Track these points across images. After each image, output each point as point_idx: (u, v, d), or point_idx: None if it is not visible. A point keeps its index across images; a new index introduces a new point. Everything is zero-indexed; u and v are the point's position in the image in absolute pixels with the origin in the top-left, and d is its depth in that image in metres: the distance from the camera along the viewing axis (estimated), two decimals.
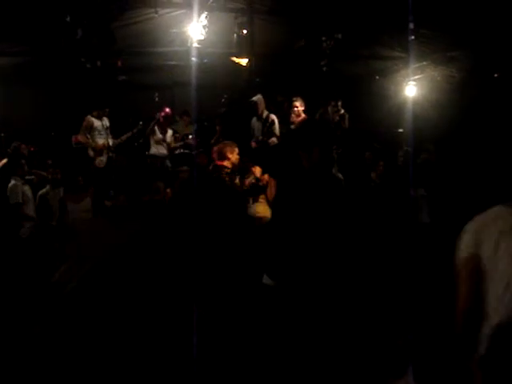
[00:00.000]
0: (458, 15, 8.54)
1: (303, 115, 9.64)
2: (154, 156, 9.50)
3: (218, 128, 9.73)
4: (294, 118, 9.51)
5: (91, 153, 9.12)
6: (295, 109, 9.37)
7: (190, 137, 10.24)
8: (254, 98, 8.96)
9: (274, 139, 8.96)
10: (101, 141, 9.15)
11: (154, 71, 10.77)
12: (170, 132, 9.70)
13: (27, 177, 7.80)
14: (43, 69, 10.21)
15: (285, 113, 9.71)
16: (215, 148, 6.07)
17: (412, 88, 10.51)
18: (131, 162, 9.59)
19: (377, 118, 10.76)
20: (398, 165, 8.76)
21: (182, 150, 9.89)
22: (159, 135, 9.47)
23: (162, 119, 9.49)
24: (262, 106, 8.98)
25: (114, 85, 10.57)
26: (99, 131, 9.15)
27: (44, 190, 7.55)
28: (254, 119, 9.02)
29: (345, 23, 9.67)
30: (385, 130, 10.52)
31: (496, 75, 9.86)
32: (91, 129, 9.12)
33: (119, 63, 10.29)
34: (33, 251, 6.48)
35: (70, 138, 10.19)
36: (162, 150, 9.52)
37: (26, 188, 7.28)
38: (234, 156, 5.91)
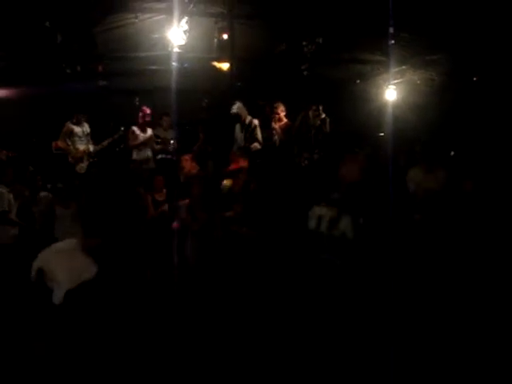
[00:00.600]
0: (437, 19, 8.62)
1: (285, 120, 9.69)
2: (136, 161, 9.44)
3: (201, 135, 9.67)
4: (275, 122, 9.56)
5: (71, 159, 9.07)
6: (276, 115, 9.42)
7: (172, 142, 10.18)
8: (235, 109, 8.99)
9: (256, 144, 8.98)
10: (81, 147, 9.12)
11: (134, 76, 10.71)
12: (149, 131, 9.58)
13: None
14: (23, 74, 10.11)
15: (266, 117, 9.74)
16: None
17: (392, 92, 10.57)
18: (111, 170, 9.50)
19: (358, 121, 10.79)
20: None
21: (163, 156, 9.82)
22: (140, 138, 9.39)
23: (141, 119, 9.44)
24: (244, 113, 9.01)
25: (94, 90, 10.50)
26: (79, 137, 9.12)
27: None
28: (238, 127, 9.05)
29: (325, 27, 9.70)
30: (366, 134, 10.55)
31: (475, 78, 9.97)
32: (71, 135, 9.09)
33: (100, 68, 10.22)
34: (18, 256, 6.48)
35: (51, 144, 10.10)
36: (144, 154, 9.43)
37: (11, 196, 7.23)
38: None
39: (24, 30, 8.49)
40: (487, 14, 7.99)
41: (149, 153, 9.46)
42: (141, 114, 9.42)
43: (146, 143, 9.43)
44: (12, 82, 10.36)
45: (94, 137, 9.46)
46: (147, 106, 9.73)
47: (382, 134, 9.99)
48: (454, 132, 9.85)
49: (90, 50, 9.01)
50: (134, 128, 9.42)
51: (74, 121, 9.14)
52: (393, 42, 9.19)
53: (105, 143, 9.45)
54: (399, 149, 7.67)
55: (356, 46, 10.78)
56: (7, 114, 10.52)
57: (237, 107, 9.00)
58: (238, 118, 9.06)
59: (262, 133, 9.29)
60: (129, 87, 11.11)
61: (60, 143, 9.18)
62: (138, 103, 10.16)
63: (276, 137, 9.59)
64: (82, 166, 9.08)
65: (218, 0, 9.03)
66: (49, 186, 8.24)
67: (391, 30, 8.68)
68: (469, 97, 9.99)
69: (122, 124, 9.68)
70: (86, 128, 9.24)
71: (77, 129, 9.11)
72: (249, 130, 8.95)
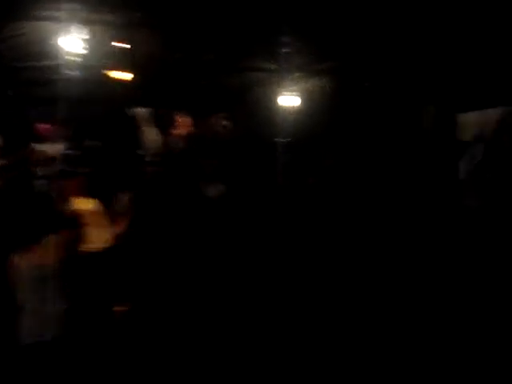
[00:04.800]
0: (330, 28, 8.99)
1: (186, 128, 9.72)
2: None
3: None
4: (177, 131, 9.58)
5: None
6: (179, 124, 9.46)
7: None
8: (130, 113, 8.92)
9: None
10: None
11: (33, 85, 10.34)
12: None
13: None
14: None
15: (167, 126, 9.73)
16: None
17: (288, 98, 10.92)
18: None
19: (258, 128, 11.02)
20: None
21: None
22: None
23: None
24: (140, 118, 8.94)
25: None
26: None
27: None
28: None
29: (220, 36, 9.85)
30: (265, 140, 10.79)
31: (366, 84, 10.50)
32: None
33: None
34: None
35: None
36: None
37: None
38: None
39: None
40: (378, 21, 8.43)
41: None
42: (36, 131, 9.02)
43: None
44: None
45: None
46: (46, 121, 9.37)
47: (282, 140, 10.27)
48: (343, 137, 10.34)
49: None
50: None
51: None
52: (286, 50, 9.55)
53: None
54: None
55: (250, 54, 11.03)
56: None
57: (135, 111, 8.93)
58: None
59: (165, 142, 9.29)
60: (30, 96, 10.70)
61: None
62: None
63: (178, 145, 9.62)
64: None
65: (115, 8, 8.92)
66: None
67: (284, 38, 9.03)
68: (361, 102, 10.50)
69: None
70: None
71: None
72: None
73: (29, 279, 4.39)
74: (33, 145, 8.98)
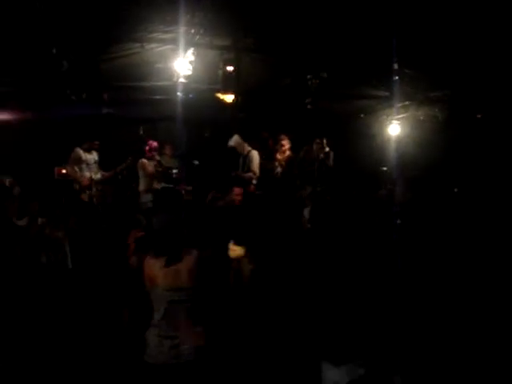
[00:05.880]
0: (442, 56, 8.67)
1: (288, 153, 9.69)
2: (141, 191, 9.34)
3: None
4: (279, 154, 9.58)
5: (77, 186, 8.93)
6: (282, 147, 9.45)
7: (174, 171, 10.13)
8: (231, 143, 8.98)
9: (250, 174, 8.89)
10: (88, 174, 8.99)
11: (139, 105, 10.74)
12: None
13: None
14: (27, 100, 10.15)
15: (270, 149, 9.75)
16: None
17: (395, 127, 10.58)
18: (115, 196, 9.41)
19: (361, 156, 10.81)
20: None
21: (164, 184, 9.74)
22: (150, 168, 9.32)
23: (148, 153, 9.35)
24: (240, 146, 8.98)
25: (98, 117, 10.52)
26: (88, 164, 8.99)
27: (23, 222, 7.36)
28: (241, 158, 9.05)
29: (330, 62, 9.78)
30: (369, 168, 10.56)
31: (479, 116, 9.99)
32: (79, 161, 8.97)
33: (105, 96, 10.25)
34: None
35: (53, 170, 10.04)
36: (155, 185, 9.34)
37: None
38: None
39: (31, 56, 8.54)
40: (492, 52, 8.04)
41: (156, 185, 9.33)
42: (147, 148, 9.31)
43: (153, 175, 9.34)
44: (17, 108, 10.39)
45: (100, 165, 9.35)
46: (152, 139, 9.66)
47: (385, 169, 9.97)
48: (456, 169, 9.84)
49: (96, 78, 9.04)
50: (145, 160, 9.32)
51: (85, 147, 9.04)
52: (397, 77, 9.26)
53: (111, 172, 9.30)
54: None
55: (360, 81, 10.87)
56: (10, 139, 10.52)
57: (233, 141, 8.99)
58: (234, 150, 9.05)
59: (266, 165, 9.29)
60: (133, 116, 11.14)
61: (68, 169, 9.05)
62: (142, 132, 10.13)
63: (279, 169, 9.61)
64: (89, 194, 8.91)
65: (223, 32, 9.09)
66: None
67: (395, 66, 8.76)
68: (472, 134, 10.00)
69: (126, 153, 9.61)
70: (95, 156, 9.13)
71: (85, 156, 8.99)
72: (246, 161, 8.93)
73: (162, 295, 4.12)
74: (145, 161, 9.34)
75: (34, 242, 6.67)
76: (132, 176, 9.54)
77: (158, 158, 9.49)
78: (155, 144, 9.46)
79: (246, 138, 9.16)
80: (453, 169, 9.81)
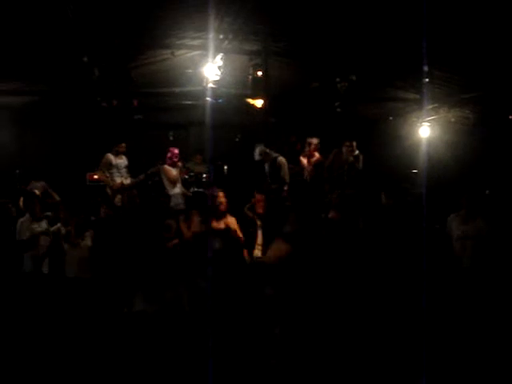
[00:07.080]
0: (472, 58, 8.56)
1: (317, 155, 9.68)
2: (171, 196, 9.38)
3: None
4: (306, 158, 9.58)
5: (109, 191, 9.04)
6: (312, 146, 9.43)
7: (204, 175, 10.21)
8: (256, 157, 8.97)
9: (276, 186, 8.86)
10: (119, 179, 9.10)
11: (169, 111, 10.84)
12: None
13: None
14: (58, 107, 10.31)
15: (297, 153, 9.74)
16: None
17: (426, 129, 10.48)
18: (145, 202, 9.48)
19: (391, 158, 10.74)
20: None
21: (195, 189, 9.82)
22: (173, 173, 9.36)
23: (169, 161, 9.34)
24: (266, 156, 8.97)
25: (129, 124, 10.63)
26: (118, 169, 9.10)
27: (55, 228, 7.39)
28: (267, 165, 9.04)
29: (359, 65, 9.73)
30: (399, 171, 10.49)
31: (510, 117, 9.85)
32: (110, 166, 9.08)
33: (135, 103, 10.36)
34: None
35: (84, 176, 10.19)
36: (177, 189, 9.35)
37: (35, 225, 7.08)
38: None
39: (62, 64, 8.68)
40: None
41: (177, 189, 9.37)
42: (169, 155, 9.28)
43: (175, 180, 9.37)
44: (48, 115, 10.57)
45: (130, 170, 9.45)
46: (181, 145, 9.70)
47: (416, 171, 9.90)
48: (488, 171, 9.72)
49: (126, 85, 9.14)
50: (167, 167, 9.35)
51: (114, 152, 9.15)
52: (427, 80, 9.17)
53: (141, 177, 9.36)
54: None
55: (389, 84, 10.80)
56: (42, 146, 10.73)
57: (258, 154, 8.97)
58: (261, 161, 9.06)
59: (294, 169, 9.29)
60: (163, 121, 11.24)
61: (99, 175, 9.17)
62: (171, 138, 10.23)
63: (306, 173, 9.61)
64: (121, 198, 8.99)
65: (252, 37, 9.11)
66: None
67: (425, 68, 8.67)
68: (504, 135, 9.86)
69: (157, 158, 9.68)
70: (125, 160, 9.23)
71: (115, 160, 9.10)
72: (273, 168, 8.90)
73: None
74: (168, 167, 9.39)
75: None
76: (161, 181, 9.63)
77: (180, 164, 9.52)
78: (176, 151, 9.44)
79: (274, 141, 9.18)
80: (484, 171, 9.69)
